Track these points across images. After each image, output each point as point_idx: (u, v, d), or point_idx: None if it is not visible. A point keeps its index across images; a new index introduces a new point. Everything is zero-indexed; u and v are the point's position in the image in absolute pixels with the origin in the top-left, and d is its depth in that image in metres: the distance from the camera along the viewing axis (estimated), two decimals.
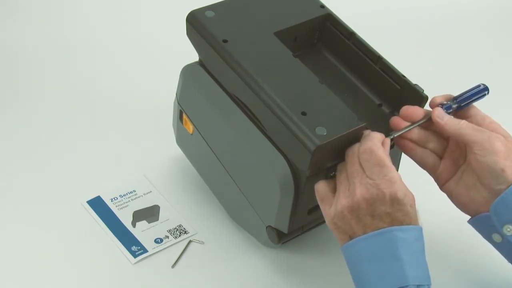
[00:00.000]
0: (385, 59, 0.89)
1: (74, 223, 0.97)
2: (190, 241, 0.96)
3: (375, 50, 0.89)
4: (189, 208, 1.00)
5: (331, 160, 0.80)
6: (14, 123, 1.12)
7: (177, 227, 0.97)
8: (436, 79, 1.18)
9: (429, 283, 0.74)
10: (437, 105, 0.82)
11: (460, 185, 0.83)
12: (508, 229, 0.79)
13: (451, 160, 0.84)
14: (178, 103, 0.97)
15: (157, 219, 0.98)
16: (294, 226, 0.88)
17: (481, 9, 1.47)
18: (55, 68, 1.23)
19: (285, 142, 0.81)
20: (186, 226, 0.98)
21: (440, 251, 0.95)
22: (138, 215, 0.99)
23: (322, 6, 0.93)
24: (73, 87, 1.20)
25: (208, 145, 0.94)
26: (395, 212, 0.74)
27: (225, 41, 0.86)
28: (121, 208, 0.99)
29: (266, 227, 0.89)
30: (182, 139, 1.01)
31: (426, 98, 0.85)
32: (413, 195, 0.76)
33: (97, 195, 1.01)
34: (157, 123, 1.12)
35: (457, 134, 0.80)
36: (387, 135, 0.80)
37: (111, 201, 1.00)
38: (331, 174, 0.81)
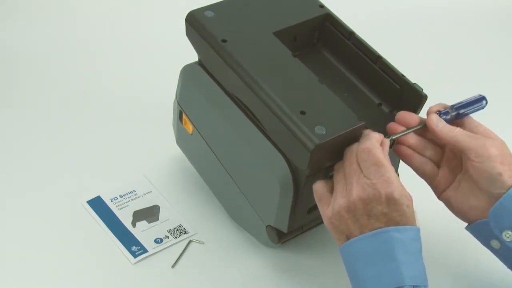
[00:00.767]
0: (384, 59, 0.89)
1: (74, 223, 0.97)
2: (190, 241, 0.96)
3: (374, 50, 0.89)
4: (189, 208, 1.00)
5: (330, 159, 0.80)
6: (14, 123, 1.12)
7: (177, 227, 0.97)
8: (436, 79, 1.18)
9: (425, 283, 0.74)
10: (434, 112, 0.82)
11: (458, 193, 0.83)
12: (507, 235, 0.79)
13: (448, 168, 0.84)
14: (178, 103, 0.97)
15: (157, 219, 0.98)
16: (294, 225, 0.88)
17: (481, 9, 1.47)
18: (55, 68, 1.23)
19: (285, 142, 0.81)
20: (186, 226, 0.98)
21: (439, 253, 0.95)
22: (138, 215, 0.99)
23: (322, 6, 0.94)
24: (73, 87, 1.20)
25: (207, 145, 0.94)
26: (391, 212, 0.74)
27: (224, 41, 0.86)
28: (121, 208, 0.99)
29: (266, 227, 0.89)
30: (182, 139, 1.01)
31: (426, 97, 0.85)
32: (410, 196, 0.76)
33: (97, 195, 1.01)
34: (157, 123, 1.12)
35: (452, 141, 0.80)
36: (386, 136, 0.80)
37: (111, 201, 1.00)
38: (330, 174, 0.81)
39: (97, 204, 1.00)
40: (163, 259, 0.93)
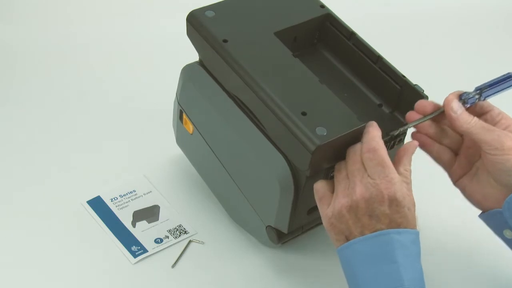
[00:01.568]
0: (385, 59, 0.89)
1: (74, 223, 0.97)
2: (190, 241, 0.96)
3: (375, 50, 0.89)
4: (189, 208, 1.00)
5: (331, 160, 0.80)
6: (14, 123, 1.12)
7: (177, 227, 0.97)
8: (436, 79, 1.18)
9: (423, 287, 0.74)
10: (457, 97, 0.81)
11: (474, 182, 0.83)
12: None
13: (466, 156, 0.84)
14: (178, 103, 0.97)
15: (157, 219, 0.98)
16: (294, 226, 0.88)
17: (482, 9, 1.47)
18: (54, 68, 1.23)
19: (285, 142, 0.81)
20: (186, 226, 0.98)
21: (442, 253, 0.95)
22: (138, 215, 0.99)
23: (322, 6, 0.93)
24: (73, 87, 1.20)
25: (208, 145, 0.94)
26: (393, 213, 0.74)
27: (225, 41, 0.86)
28: (121, 208, 0.99)
29: (266, 227, 0.89)
30: (182, 139, 1.01)
31: (426, 98, 0.85)
32: (413, 200, 0.76)
33: (97, 195, 1.01)
34: (157, 123, 1.12)
35: (467, 132, 0.80)
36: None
37: (111, 201, 1.00)
38: (331, 175, 0.81)
39: (97, 204, 1.00)
40: (163, 259, 0.93)
